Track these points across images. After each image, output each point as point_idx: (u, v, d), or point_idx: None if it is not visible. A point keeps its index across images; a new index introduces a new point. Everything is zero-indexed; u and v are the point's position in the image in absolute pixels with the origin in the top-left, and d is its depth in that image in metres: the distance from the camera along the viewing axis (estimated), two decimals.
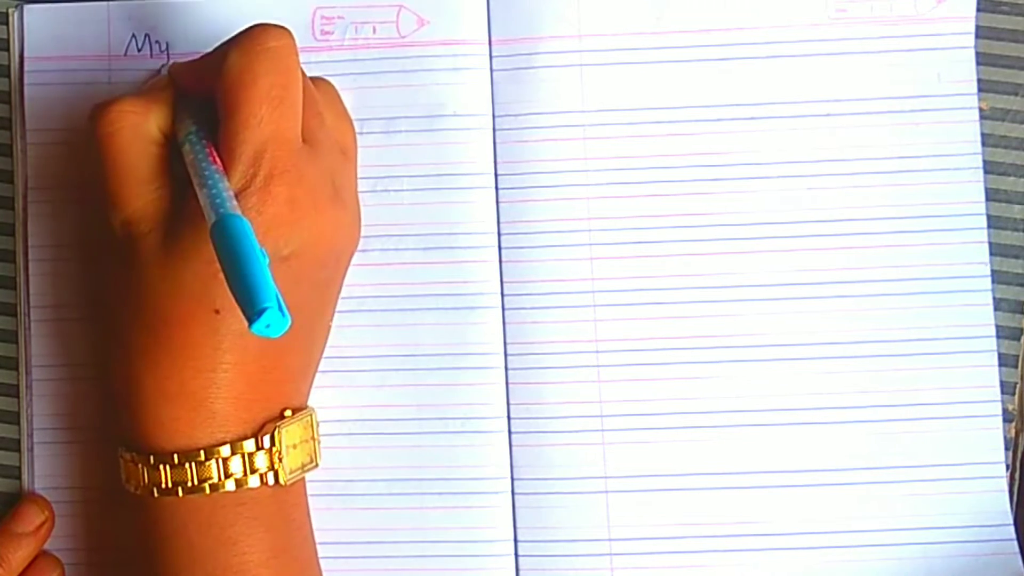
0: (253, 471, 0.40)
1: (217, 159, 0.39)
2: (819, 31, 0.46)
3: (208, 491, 0.40)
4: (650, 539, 0.46)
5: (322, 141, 0.42)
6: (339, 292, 0.45)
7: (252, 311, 0.34)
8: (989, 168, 0.46)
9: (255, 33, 0.40)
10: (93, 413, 0.47)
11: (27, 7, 0.48)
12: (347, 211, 0.43)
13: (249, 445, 0.40)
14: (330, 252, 0.42)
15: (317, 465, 0.43)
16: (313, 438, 0.43)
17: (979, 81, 0.46)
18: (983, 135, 0.46)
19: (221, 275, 0.38)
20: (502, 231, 0.46)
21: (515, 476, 0.46)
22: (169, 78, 0.44)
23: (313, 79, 0.44)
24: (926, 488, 0.45)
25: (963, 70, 0.46)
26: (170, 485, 0.40)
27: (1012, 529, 0.45)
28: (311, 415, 0.43)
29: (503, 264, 0.46)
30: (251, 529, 0.40)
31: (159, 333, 0.40)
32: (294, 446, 0.42)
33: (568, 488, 0.46)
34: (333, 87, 0.45)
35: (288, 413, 0.42)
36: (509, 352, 0.46)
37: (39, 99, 0.48)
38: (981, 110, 0.46)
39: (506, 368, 0.46)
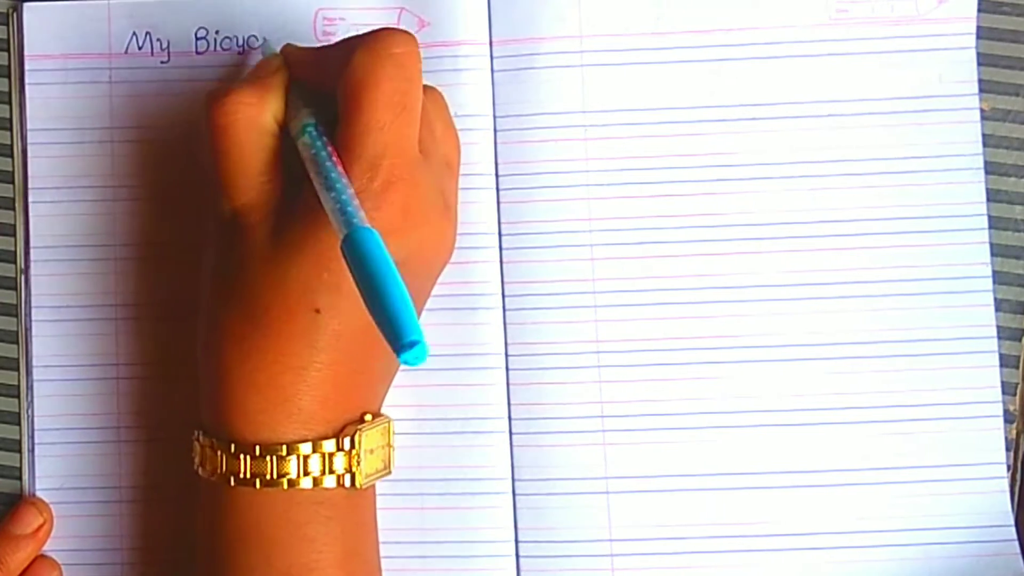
0: (331, 471, 0.40)
1: (338, 159, 0.39)
2: (820, 32, 0.46)
3: (286, 486, 0.40)
4: (651, 540, 0.46)
5: (433, 152, 0.42)
6: (425, 303, 0.45)
7: (400, 343, 0.33)
8: (990, 169, 0.46)
9: (381, 36, 0.40)
10: (95, 413, 0.47)
11: (27, 5, 0.48)
12: (451, 224, 0.43)
13: (329, 445, 0.40)
14: (432, 262, 0.43)
15: (390, 472, 0.43)
16: (389, 444, 0.43)
17: (980, 82, 0.46)
18: (984, 136, 0.46)
19: (326, 275, 0.38)
20: (503, 231, 0.46)
21: (516, 476, 0.46)
22: (280, 61, 0.43)
23: (423, 88, 0.44)
24: (927, 488, 0.45)
25: (964, 71, 0.46)
26: (248, 476, 0.40)
27: (1013, 530, 0.45)
28: (389, 422, 0.43)
29: (504, 264, 0.46)
30: (328, 528, 0.41)
31: (258, 325, 0.40)
32: (371, 451, 0.42)
33: (569, 488, 0.46)
34: (442, 97, 0.45)
35: (368, 418, 0.42)
36: (510, 352, 0.46)
37: (39, 99, 0.47)
38: (982, 111, 0.46)
39: (507, 368, 0.46)
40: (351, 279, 0.37)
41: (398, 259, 0.39)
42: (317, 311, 0.39)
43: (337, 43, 0.42)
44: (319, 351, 0.40)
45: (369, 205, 0.39)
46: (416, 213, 0.40)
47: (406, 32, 0.40)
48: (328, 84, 0.41)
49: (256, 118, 0.41)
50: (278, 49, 0.45)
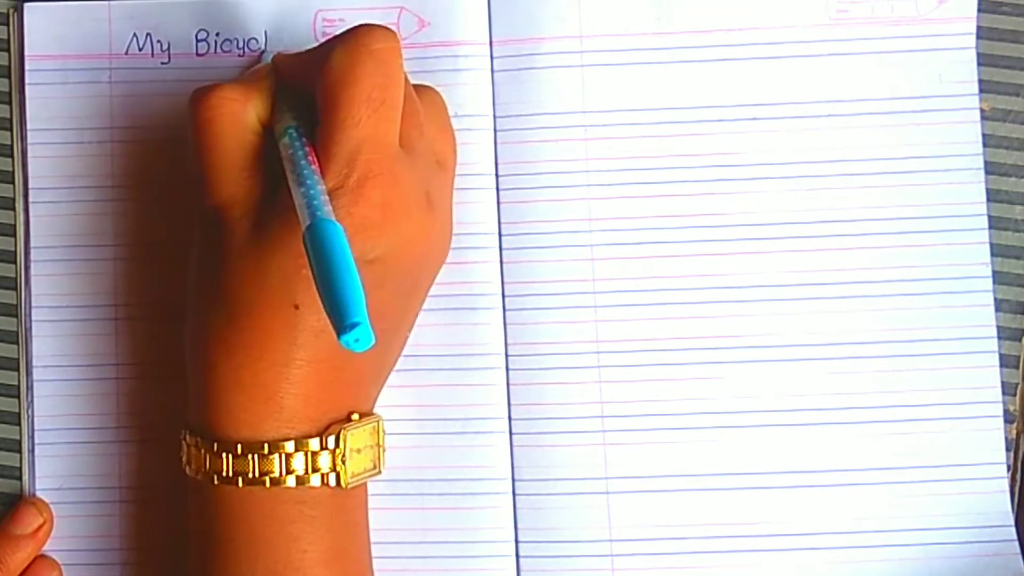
0: (315, 470, 0.40)
1: (315, 158, 0.39)
2: (820, 32, 0.46)
3: (268, 484, 0.40)
4: (651, 540, 0.46)
5: (419, 149, 0.42)
6: (421, 304, 0.45)
7: (341, 324, 0.34)
8: (990, 169, 0.46)
9: (360, 33, 0.40)
10: (94, 413, 0.47)
11: (27, 6, 0.48)
12: (438, 221, 0.43)
13: (313, 444, 0.40)
14: (416, 260, 0.42)
15: (380, 472, 0.43)
16: (378, 444, 0.43)
17: (980, 82, 0.46)
18: (984, 136, 0.46)
19: (304, 271, 0.38)
20: (503, 232, 0.46)
21: (516, 477, 0.46)
22: (270, 67, 0.44)
23: (420, 87, 0.44)
24: (927, 489, 0.45)
25: (964, 71, 0.46)
26: (231, 474, 0.40)
27: (1013, 530, 0.45)
28: (378, 422, 0.43)
29: (504, 265, 0.46)
30: (313, 527, 0.41)
31: (238, 322, 0.40)
32: (358, 450, 0.42)
33: (569, 489, 0.46)
34: (440, 97, 0.45)
35: (355, 417, 0.42)
36: (510, 353, 0.46)
37: (39, 99, 0.47)
38: (982, 111, 0.46)
39: (507, 369, 0.46)
40: None
41: (377, 255, 0.39)
42: (296, 307, 0.39)
43: (320, 43, 0.42)
44: (299, 347, 0.40)
45: (346, 200, 0.39)
46: (396, 209, 0.40)
47: (386, 28, 0.40)
48: (312, 84, 0.41)
49: (239, 114, 0.41)
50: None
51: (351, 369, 0.41)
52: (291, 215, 0.38)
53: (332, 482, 0.41)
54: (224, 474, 0.40)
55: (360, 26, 0.40)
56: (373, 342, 0.34)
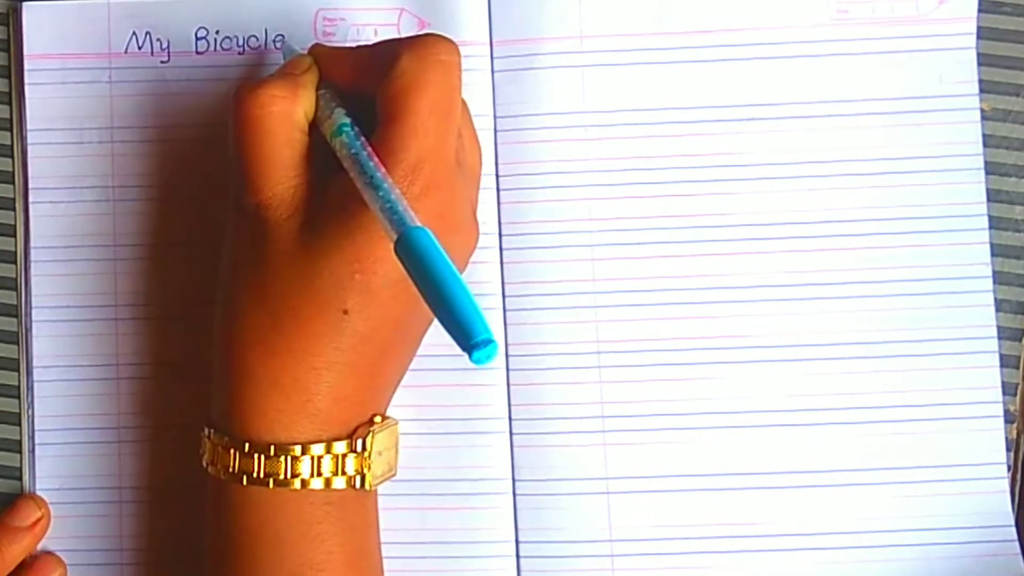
0: (342, 472, 0.40)
1: (378, 161, 0.38)
2: (820, 32, 0.46)
3: (298, 486, 0.40)
4: (651, 540, 0.46)
5: (465, 163, 0.42)
6: None
7: (470, 342, 0.33)
8: (990, 169, 0.46)
9: (429, 42, 0.40)
10: (95, 413, 0.47)
11: (27, 5, 0.47)
12: (474, 235, 0.43)
13: (341, 447, 0.40)
14: None
15: (395, 474, 0.43)
16: (395, 446, 0.43)
17: (980, 82, 0.46)
18: (984, 136, 0.46)
19: (358, 276, 0.38)
20: (503, 232, 0.46)
21: (516, 477, 0.46)
22: (310, 60, 0.43)
23: None
24: (927, 489, 0.45)
25: (964, 71, 0.46)
26: (262, 475, 0.40)
27: (1013, 530, 0.45)
28: (396, 424, 0.43)
29: (504, 265, 0.46)
30: (339, 529, 0.41)
31: (283, 324, 0.40)
32: (380, 453, 0.42)
33: (569, 489, 0.46)
34: (467, 110, 0.45)
35: (377, 420, 0.42)
36: (510, 353, 0.46)
37: (39, 99, 0.47)
38: (982, 111, 0.46)
39: (507, 369, 0.46)
40: (381, 279, 0.37)
41: None
42: (345, 312, 0.39)
43: (375, 45, 0.42)
44: (343, 352, 0.40)
45: None
46: (450, 220, 0.40)
47: (451, 41, 0.40)
48: (364, 86, 0.40)
49: (289, 112, 0.41)
50: (298, 48, 0.45)
51: (382, 374, 0.42)
52: (344, 218, 0.38)
53: (356, 484, 0.41)
54: (254, 475, 0.40)
55: (428, 35, 0.40)
56: (496, 354, 0.33)
